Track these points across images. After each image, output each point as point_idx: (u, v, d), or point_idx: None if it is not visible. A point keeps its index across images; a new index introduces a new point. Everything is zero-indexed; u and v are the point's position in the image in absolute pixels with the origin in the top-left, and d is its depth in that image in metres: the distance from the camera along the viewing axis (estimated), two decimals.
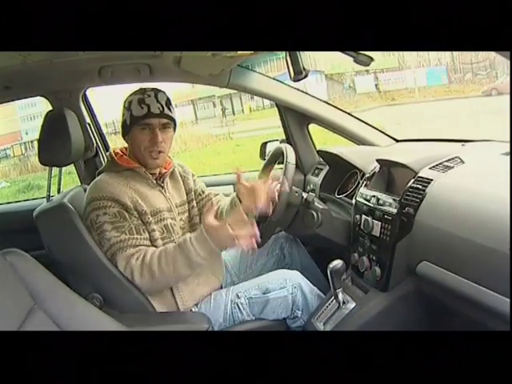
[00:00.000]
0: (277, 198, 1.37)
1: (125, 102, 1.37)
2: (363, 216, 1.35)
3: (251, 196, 1.34)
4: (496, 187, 1.02)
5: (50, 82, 1.75)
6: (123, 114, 1.37)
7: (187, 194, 1.49)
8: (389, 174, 1.40)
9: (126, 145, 1.42)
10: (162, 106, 1.33)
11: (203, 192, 1.54)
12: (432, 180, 1.15)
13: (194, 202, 1.50)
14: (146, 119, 1.32)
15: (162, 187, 1.40)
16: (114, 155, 1.39)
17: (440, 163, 1.22)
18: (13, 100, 1.98)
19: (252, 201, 1.34)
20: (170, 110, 1.35)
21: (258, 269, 1.58)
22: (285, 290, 1.35)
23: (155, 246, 1.31)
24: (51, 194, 1.51)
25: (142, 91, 1.35)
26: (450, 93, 11.20)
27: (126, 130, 1.36)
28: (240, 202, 1.36)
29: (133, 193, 1.32)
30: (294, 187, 1.48)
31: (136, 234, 1.28)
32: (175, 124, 1.39)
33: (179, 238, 1.35)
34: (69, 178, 2.75)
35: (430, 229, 1.10)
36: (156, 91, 1.35)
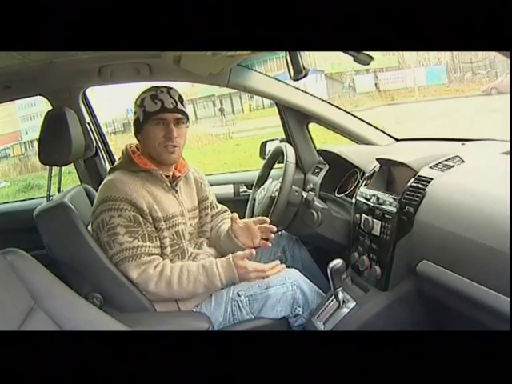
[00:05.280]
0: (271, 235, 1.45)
1: (136, 100, 1.38)
2: (363, 215, 1.35)
3: (246, 233, 1.44)
4: (496, 186, 1.01)
5: (50, 81, 1.75)
6: (135, 112, 1.38)
7: (201, 202, 1.52)
8: (389, 173, 1.40)
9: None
10: (175, 101, 1.35)
11: (217, 207, 1.59)
12: (432, 179, 1.15)
13: (209, 211, 1.54)
14: (160, 114, 1.33)
15: (176, 191, 1.41)
16: (131, 153, 1.38)
17: (440, 162, 1.22)
18: (13, 99, 1.98)
19: (248, 238, 1.43)
20: (182, 105, 1.37)
21: None
22: (284, 287, 1.35)
23: (164, 254, 1.33)
24: (51, 194, 1.51)
25: (155, 88, 1.37)
26: (449, 92, 11.16)
27: (139, 127, 1.37)
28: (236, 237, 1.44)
29: (149, 196, 1.32)
30: (293, 186, 1.49)
31: (148, 242, 1.30)
32: (188, 119, 1.40)
33: (187, 245, 1.39)
34: (69, 178, 2.75)
35: (430, 228, 1.10)
36: (168, 88, 1.37)
